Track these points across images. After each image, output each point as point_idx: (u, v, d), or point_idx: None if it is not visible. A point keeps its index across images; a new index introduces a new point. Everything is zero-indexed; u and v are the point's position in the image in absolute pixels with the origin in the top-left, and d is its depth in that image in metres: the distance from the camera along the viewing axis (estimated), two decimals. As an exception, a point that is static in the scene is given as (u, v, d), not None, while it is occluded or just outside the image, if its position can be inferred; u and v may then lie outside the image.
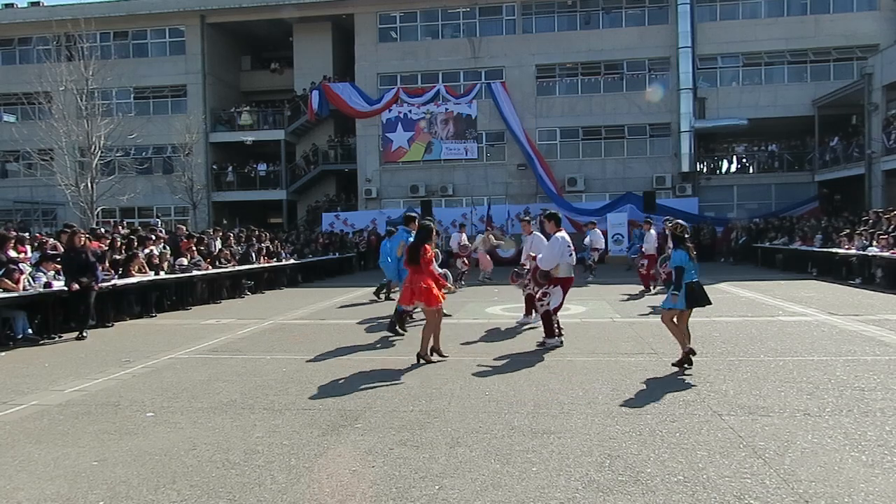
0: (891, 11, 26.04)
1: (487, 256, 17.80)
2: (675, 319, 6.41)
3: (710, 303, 6.47)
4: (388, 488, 3.61)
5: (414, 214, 9.29)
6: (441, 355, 7.19)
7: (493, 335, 8.82)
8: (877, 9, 26.41)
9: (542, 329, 8.01)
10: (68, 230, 10.58)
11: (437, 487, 3.60)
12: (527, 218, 9.97)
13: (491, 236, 18.50)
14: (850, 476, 3.62)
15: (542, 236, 9.26)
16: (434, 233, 7.52)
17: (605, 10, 28.27)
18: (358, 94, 29.12)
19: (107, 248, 11.73)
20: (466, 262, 15.91)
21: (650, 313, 10.49)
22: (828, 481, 3.55)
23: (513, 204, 27.53)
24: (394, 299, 13.99)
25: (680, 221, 6.80)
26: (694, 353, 6.42)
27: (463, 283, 15.47)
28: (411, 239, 8.49)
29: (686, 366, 6.37)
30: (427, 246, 7.16)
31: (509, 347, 7.86)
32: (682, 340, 6.43)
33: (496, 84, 28.32)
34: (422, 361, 6.96)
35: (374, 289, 14.26)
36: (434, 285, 7.05)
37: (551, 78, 28.68)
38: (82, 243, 9.61)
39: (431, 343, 7.15)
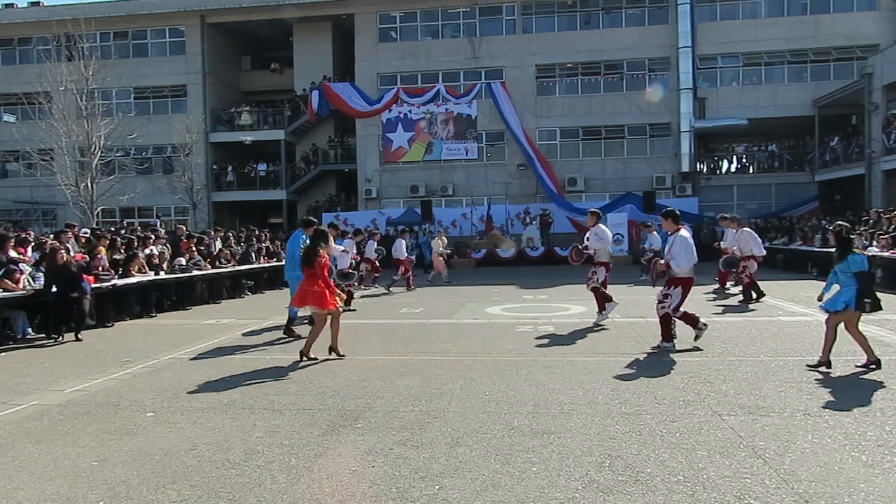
0: (891, 11, 26.04)
1: (441, 259, 18.05)
2: (840, 325, 6.30)
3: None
4: (388, 488, 3.61)
5: (312, 219, 9.28)
6: (339, 354, 7.42)
7: (493, 335, 8.81)
8: (877, 9, 26.41)
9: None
10: (68, 230, 10.55)
11: (437, 487, 3.60)
12: (594, 210, 9.91)
13: (443, 238, 18.54)
14: (850, 476, 3.62)
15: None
16: (327, 237, 7.76)
17: (605, 10, 28.27)
18: (358, 94, 29.12)
19: (90, 256, 11.44)
20: (406, 268, 16.03)
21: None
22: (828, 481, 3.55)
23: (513, 204, 27.54)
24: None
25: (842, 222, 6.69)
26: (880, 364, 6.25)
27: (391, 290, 15.69)
28: (303, 237, 8.72)
29: (825, 368, 6.25)
30: (322, 250, 7.39)
31: (509, 347, 7.86)
32: (830, 347, 6.31)
33: (496, 84, 28.31)
34: (304, 359, 7.19)
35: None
36: (326, 289, 7.26)
37: (551, 78, 28.68)
38: (64, 260, 9.51)
39: (332, 342, 7.43)
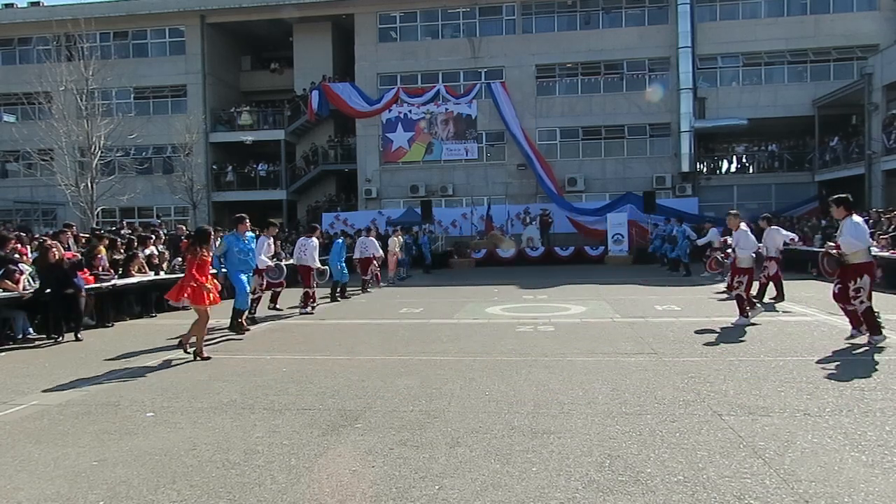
0: (891, 11, 26.05)
1: (395, 259, 18.20)
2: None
3: None
4: (388, 488, 3.61)
5: (243, 216, 9.37)
6: (186, 352, 7.59)
7: (493, 335, 8.81)
8: (877, 9, 26.42)
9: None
10: (67, 230, 10.55)
11: (437, 487, 3.60)
12: (733, 211, 9.89)
13: (399, 238, 18.62)
14: (850, 476, 3.61)
15: (748, 231, 9.50)
16: (210, 236, 7.95)
17: (605, 10, 28.28)
18: (358, 94, 29.13)
19: (82, 254, 11.43)
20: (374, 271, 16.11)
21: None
22: (828, 481, 3.55)
23: (513, 204, 27.55)
24: (348, 297, 14.16)
25: None
26: None
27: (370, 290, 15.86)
28: (239, 241, 8.83)
29: None
30: (203, 248, 7.59)
31: (509, 347, 7.86)
32: None
33: (496, 84, 28.32)
34: (197, 358, 7.45)
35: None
36: (205, 285, 7.46)
37: (551, 78, 28.69)
38: (57, 258, 9.51)
39: (184, 338, 7.66)
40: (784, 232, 12.46)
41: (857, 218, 7.55)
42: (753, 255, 9.56)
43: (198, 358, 7.45)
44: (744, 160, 29.16)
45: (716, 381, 5.87)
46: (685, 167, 27.03)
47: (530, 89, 28.41)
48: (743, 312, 9.21)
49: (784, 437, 4.26)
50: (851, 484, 3.50)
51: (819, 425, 4.50)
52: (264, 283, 11.29)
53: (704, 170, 28.62)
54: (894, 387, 5.48)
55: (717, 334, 8.38)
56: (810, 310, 10.60)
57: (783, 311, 10.56)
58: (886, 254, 13.59)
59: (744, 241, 9.45)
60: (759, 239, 12.32)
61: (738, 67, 27.75)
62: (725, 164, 29.61)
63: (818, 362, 6.54)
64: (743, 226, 9.55)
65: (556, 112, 28.32)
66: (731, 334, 8.37)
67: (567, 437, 4.38)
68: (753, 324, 9.10)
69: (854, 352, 7.11)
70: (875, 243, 11.91)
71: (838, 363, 6.47)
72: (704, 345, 7.65)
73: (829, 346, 7.40)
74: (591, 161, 28.29)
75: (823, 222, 20.38)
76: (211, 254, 8.00)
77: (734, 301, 9.57)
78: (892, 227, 14.68)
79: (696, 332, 8.63)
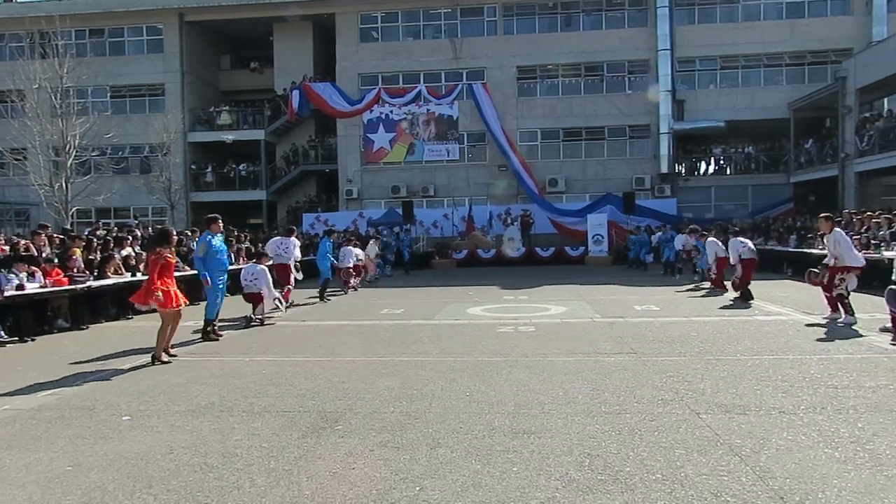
0: (863, 16, 26.57)
1: (370, 260, 18.32)
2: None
3: None
4: (369, 490, 3.59)
5: (216, 216, 9.31)
6: (169, 354, 7.51)
7: (474, 336, 8.82)
8: (850, 14, 26.94)
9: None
10: (41, 231, 10.38)
11: (417, 489, 3.60)
12: (827, 214, 9.82)
13: (379, 243, 18.75)
14: (824, 472, 3.68)
15: (842, 232, 9.27)
16: (171, 236, 7.83)
17: (586, 13, 28.49)
18: (339, 94, 29.00)
19: (57, 255, 11.23)
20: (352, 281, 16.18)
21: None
22: (802, 478, 3.61)
23: (494, 205, 27.61)
24: (330, 300, 14.10)
25: None
26: None
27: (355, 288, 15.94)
28: (214, 240, 8.79)
29: None
30: (164, 249, 7.48)
31: (490, 348, 7.88)
32: None
33: (477, 85, 28.37)
34: (156, 363, 7.25)
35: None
36: (170, 288, 7.37)
37: (532, 79, 28.82)
38: None
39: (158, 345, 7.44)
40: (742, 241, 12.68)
41: (838, 231, 8.31)
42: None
43: (156, 362, 7.27)
44: (721, 162, 29.56)
45: (694, 379, 5.93)
46: (664, 168, 27.34)
47: (511, 90, 28.52)
48: (847, 311, 9.07)
49: (760, 435, 4.32)
50: (825, 480, 3.57)
51: (794, 423, 4.58)
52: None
53: (683, 171, 28.95)
54: (866, 385, 5.59)
55: (694, 334, 8.48)
56: (785, 309, 10.78)
57: (757, 311, 10.72)
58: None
59: (843, 244, 9.22)
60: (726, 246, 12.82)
61: (715, 70, 28.12)
62: (703, 166, 29.99)
63: (793, 361, 6.64)
64: (838, 229, 9.50)
65: (537, 113, 28.45)
66: (710, 333, 8.47)
67: (547, 437, 4.40)
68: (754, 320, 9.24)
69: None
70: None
71: (813, 362, 6.58)
72: (683, 344, 7.74)
73: (804, 345, 7.53)
74: (571, 162, 28.47)
75: (798, 223, 20.72)
76: (175, 257, 7.92)
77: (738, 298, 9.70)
78: (865, 228, 14.96)
79: (675, 331, 8.72)
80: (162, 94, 30.26)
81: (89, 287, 10.85)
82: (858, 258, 9.25)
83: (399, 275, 21.15)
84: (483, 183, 28.60)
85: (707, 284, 14.78)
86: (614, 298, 12.88)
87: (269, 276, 10.69)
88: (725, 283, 13.81)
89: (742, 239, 12.78)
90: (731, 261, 12.24)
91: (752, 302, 11.72)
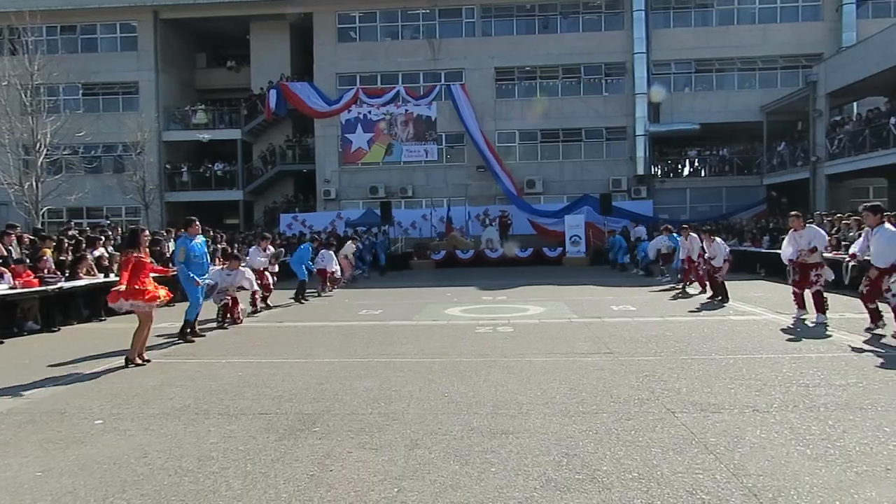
0: (833, 22, 27.17)
1: (347, 261, 18.32)
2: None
3: None
4: (347, 492, 3.57)
5: (193, 218, 9.26)
6: (142, 358, 7.38)
7: (453, 336, 8.83)
8: (821, 19, 27.52)
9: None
10: (11, 231, 10.16)
11: (395, 490, 3.59)
12: (794, 213, 9.81)
13: (357, 244, 18.72)
14: (796, 469, 3.75)
15: (893, 228, 8.22)
16: (139, 236, 7.63)
17: (563, 15, 28.70)
18: (316, 93, 28.82)
19: (35, 258, 11.02)
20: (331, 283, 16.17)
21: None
22: (775, 475, 3.67)
23: (472, 206, 27.66)
24: (308, 300, 14.02)
25: None
26: None
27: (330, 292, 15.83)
28: (193, 244, 8.79)
29: None
30: (134, 249, 7.40)
31: (468, 348, 7.89)
32: None
33: (455, 86, 28.40)
34: (130, 365, 7.16)
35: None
36: (147, 288, 7.33)
37: (510, 81, 28.95)
38: None
39: (132, 348, 7.35)
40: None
41: (887, 225, 8.15)
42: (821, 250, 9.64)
43: (130, 364, 7.17)
44: (696, 164, 29.99)
45: (669, 379, 6.00)
46: (640, 170, 27.65)
47: (490, 92, 28.61)
48: (821, 309, 9.23)
49: (734, 433, 4.39)
50: (797, 477, 3.63)
51: (767, 421, 4.65)
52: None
53: (659, 173, 29.33)
54: (837, 383, 5.71)
55: (670, 333, 8.58)
56: (758, 309, 10.96)
57: (731, 311, 10.88)
58: (829, 255, 14.13)
59: (818, 239, 9.44)
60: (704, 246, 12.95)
61: (690, 73, 28.52)
62: (679, 168, 30.39)
63: (766, 360, 6.76)
64: (814, 225, 9.69)
65: (516, 115, 28.58)
66: (685, 333, 8.58)
67: (525, 437, 4.42)
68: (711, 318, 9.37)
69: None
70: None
71: (785, 361, 6.71)
72: (658, 344, 7.83)
73: (777, 345, 7.67)
74: (549, 164, 28.65)
75: (771, 224, 21.09)
76: (149, 257, 7.83)
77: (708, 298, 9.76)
78: (836, 229, 15.29)
79: (651, 331, 8.82)
80: (136, 93, 29.78)
81: (60, 288, 10.63)
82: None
83: (374, 276, 21.09)
84: (461, 184, 28.63)
85: (680, 285, 14.93)
86: (591, 299, 12.99)
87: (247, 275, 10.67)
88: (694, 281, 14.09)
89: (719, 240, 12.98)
90: (716, 263, 12.30)
91: (727, 303, 11.90)
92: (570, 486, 3.59)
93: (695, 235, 14.07)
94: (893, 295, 7.81)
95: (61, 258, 11.64)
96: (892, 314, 7.95)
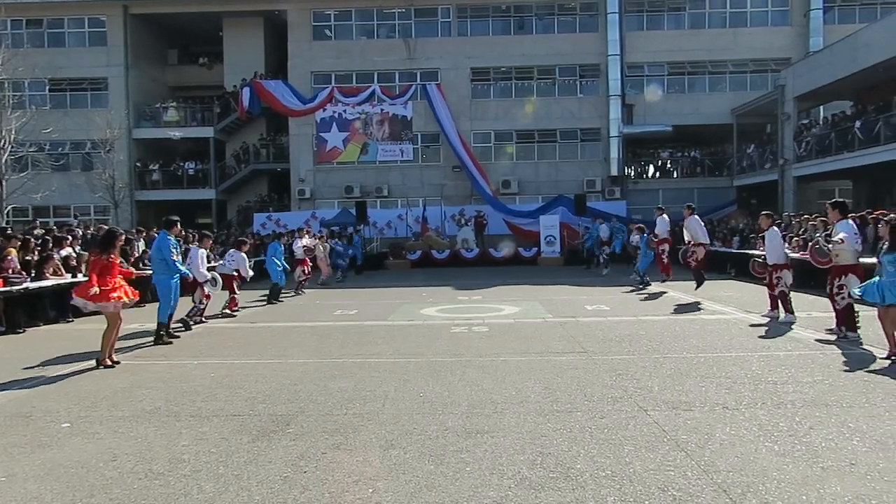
0: (801, 27, 27.79)
1: (326, 261, 18.16)
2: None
3: None
4: (321, 493, 3.55)
5: (175, 219, 9.21)
6: (112, 360, 7.30)
7: (428, 336, 8.83)
8: (789, 24, 28.13)
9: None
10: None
11: (370, 491, 3.57)
12: (766, 212, 10.08)
13: (325, 245, 18.59)
14: (764, 465, 3.83)
15: (777, 231, 9.45)
16: (116, 238, 7.62)
17: (538, 17, 28.87)
18: (291, 92, 28.55)
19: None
20: (307, 270, 16.15)
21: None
22: (744, 471, 3.74)
23: (448, 205, 27.67)
24: (282, 301, 13.89)
25: None
26: None
27: (303, 291, 15.70)
28: (170, 241, 8.80)
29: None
30: (107, 251, 7.37)
31: (444, 348, 7.89)
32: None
33: (431, 86, 28.38)
34: (100, 367, 7.08)
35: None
36: (114, 289, 7.29)
37: (486, 81, 29.03)
38: None
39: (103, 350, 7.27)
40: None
41: (774, 230, 8.63)
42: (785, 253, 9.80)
43: (101, 366, 7.06)
44: (668, 165, 30.42)
45: (642, 377, 6.08)
46: (614, 171, 27.94)
47: (465, 92, 28.64)
48: (788, 309, 9.40)
49: (704, 431, 4.47)
50: (765, 472, 3.71)
51: (736, 418, 4.75)
52: (207, 294, 10.66)
53: (632, 174, 29.68)
54: (804, 380, 5.84)
55: (643, 332, 8.69)
56: (729, 308, 11.17)
57: (702, 310, 11.07)
58: (797, 255, 14.44)
59: (776, 241, 9.64)
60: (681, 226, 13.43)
61: (663, 76, 28.91)
62: (651, 169, 30.79)
63: (735, 358, 6.89)
64: (775, 228, 9.80)
65: (491, 115, 28.67)
66: (657, 332, 8.69)
67: (500, 436, 4.44)
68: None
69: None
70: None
71: (754, 359, 6.84)
72: (631, 343, 7.92)
73: (746, 343, 7.83)
74: (524, 164, 28.79)
75: (741, 225, 21.48)
76: (119, 258, 7.74)
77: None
78: (803, 230, 15.63)
79: (624, 330, 8.92)
80: (105, 89, 29.15)
81: (26, 289, 10.38)
82: (782, 256, 9.62)
83: (350, 276, 20.98)
84: (437, 184, 28.61)
85: (651, 286, 15.10)
86: (566, 298, 13.09)
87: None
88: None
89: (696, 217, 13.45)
90: (691, 240, 12.80)
91: (700, 298, 12.20)
92: (545, 484, 3.61)
93: (666, 218, 14.58)
94: (843, 298, 7.82)
95: (27, 258, 11.35)
96: (834, 315, 8.08)
